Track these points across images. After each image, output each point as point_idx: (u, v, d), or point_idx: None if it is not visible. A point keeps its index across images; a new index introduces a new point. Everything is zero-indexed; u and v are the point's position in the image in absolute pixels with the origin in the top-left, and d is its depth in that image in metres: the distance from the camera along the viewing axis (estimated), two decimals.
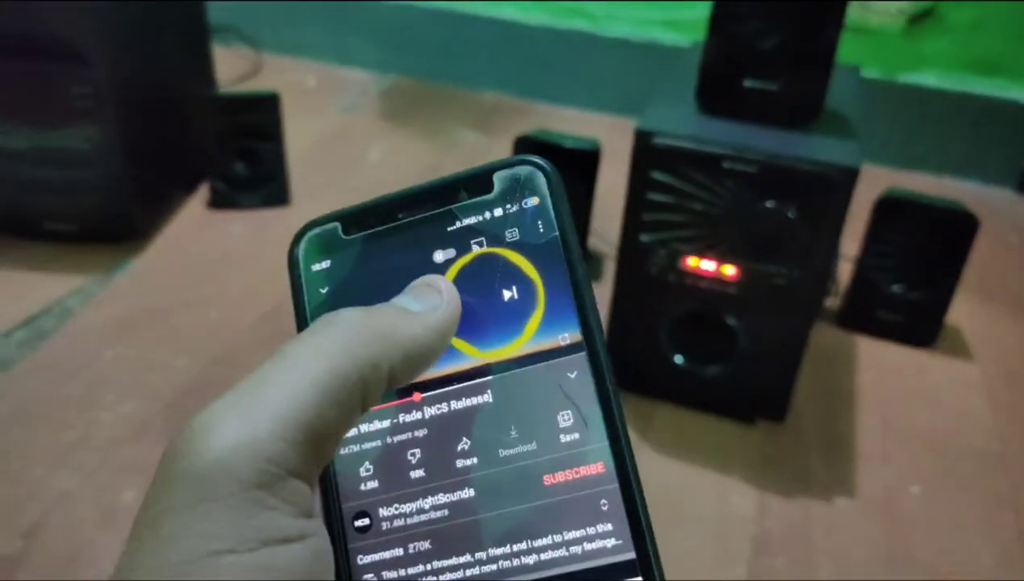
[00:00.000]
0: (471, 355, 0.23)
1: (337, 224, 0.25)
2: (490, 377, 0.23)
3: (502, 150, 1.25)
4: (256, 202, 1.20)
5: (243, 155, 1.19)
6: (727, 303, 0.78)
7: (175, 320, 0.95)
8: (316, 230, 0.25)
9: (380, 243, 0.24)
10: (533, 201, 0.23)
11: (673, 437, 0.83)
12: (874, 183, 0.95)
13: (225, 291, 1.01)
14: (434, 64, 1.73)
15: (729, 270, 0.75)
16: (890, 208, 0.94)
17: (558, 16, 1.61)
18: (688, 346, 0.83)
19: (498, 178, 0.24)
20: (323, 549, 0.19)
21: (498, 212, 0.24)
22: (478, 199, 0.24)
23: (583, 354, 0.23)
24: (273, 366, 0.20)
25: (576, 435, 0.22)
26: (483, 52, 1.68)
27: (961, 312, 1.08)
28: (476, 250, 0.24)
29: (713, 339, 0.82)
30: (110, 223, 1.07)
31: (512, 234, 0.23)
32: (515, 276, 0.23)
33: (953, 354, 0.99)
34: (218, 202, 1.18)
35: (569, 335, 0.23)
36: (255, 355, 0.89)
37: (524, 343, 0.23)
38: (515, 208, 0.24)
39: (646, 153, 0.73)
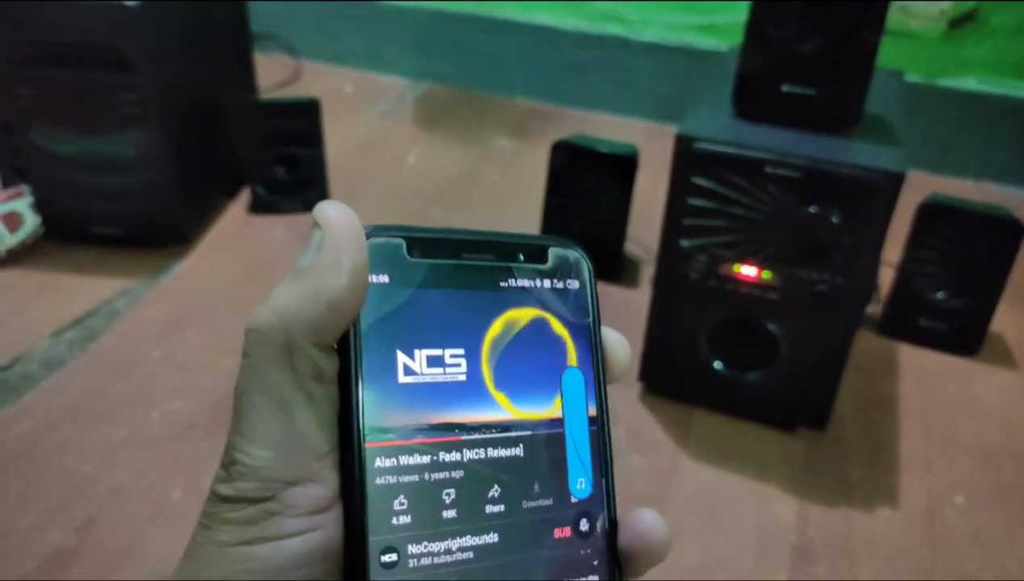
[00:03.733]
0: (508, 410, 0.24)
1: (403, 242, 0.25)
2: (524, 432, 0.24)
3: (537, 156, 1.25)
4: (297, 206, 1.22)
5: (283, 160, 1.21)
6: (768, 309, 0.77)
7: (219, 321, 0.97)
8: (381, 240, 0.25)
9: (440, 275, 0.25)
10: (576, 284, 0.26)
11: (712, 444, 0.83)
12: (915, 188, 0.94)
13: (267, 293, 1.02)
14: (468, 71, 1.74)
15: (770, 276, 0.75)
16: (933, 214, 0.93)
17: (592, 21, 1.61)
18: (728, 352, 0.83)
19: (552, 254, 0.26)
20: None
21: (547, 283, 0.26)
22: (534, 266, 0.26)
23: (595, 428, 0.25)
24: None
25: (584, 495, 0.25)
26: (516, 58, 1.69)
27: (1005, 320, 1.06)
28: (528, 309, 0.25)
29: (753, 345, 0.82)
30: (156, 227, 1.09)
31: (557, 307, 0.25)
32: (557, 344, 0.25)
33: (997, 362, 0.98)
34: (259, 207, 1.20)
35: (590, 410, 0.25)
36: None
37: (555, 410, 0.25)
38: (562, 285, 0.26)
39: (687, 158, 0.73)
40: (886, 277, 1.07)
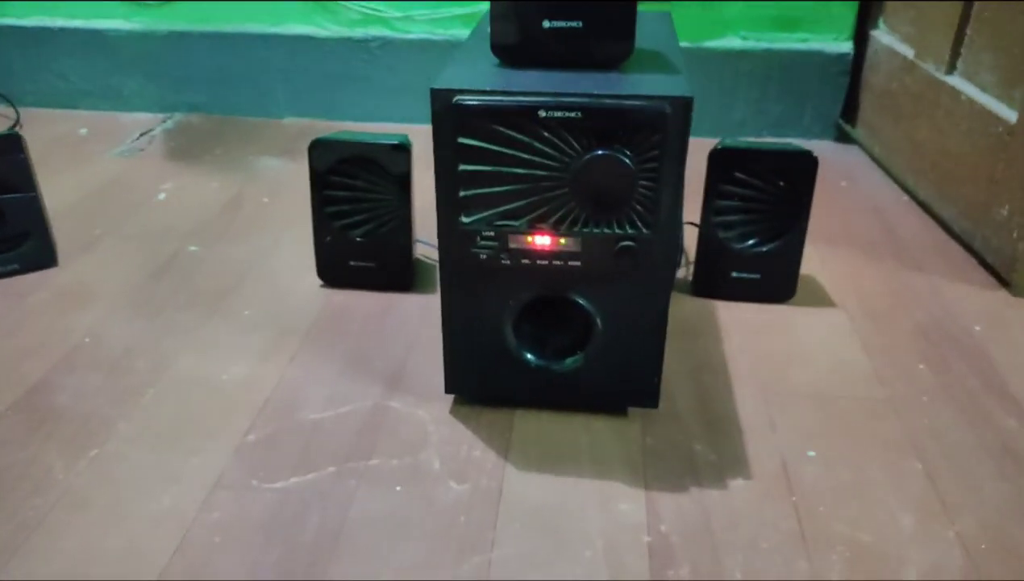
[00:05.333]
0: None
1: None
2: None
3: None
4: (13, 267, 0.99)
5: None
6: (573, 281, 0.67)
7: None
8: None
9: None
10: None
11: (540, 448, 0.71)
12: (701, 154, 0.89)
13: None
14: (225, 96, 1.55)
15: (568, 242, 0.64)
16: (725, 159, 0.88)
17: (352, 25, 1.48)
18: (539, 340, 0.72)
19: None
20: None
21: None
22: None
23: None
24: None
25: None
26: (277, 75, 1.52)
27: (812, 259, 1.03)
28: None
29: (566, 327, 0.71)
30: None
31: None
32: None
33: (814, 304, 0.94)
34: None
35: None
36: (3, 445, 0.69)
37: None
38: None
39: (449, 116, 0.61)
40: (691, 239, 1.01)
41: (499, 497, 0.65)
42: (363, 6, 1.46)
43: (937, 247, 1.08)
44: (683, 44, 1.40)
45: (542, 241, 0.65)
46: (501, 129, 0.60)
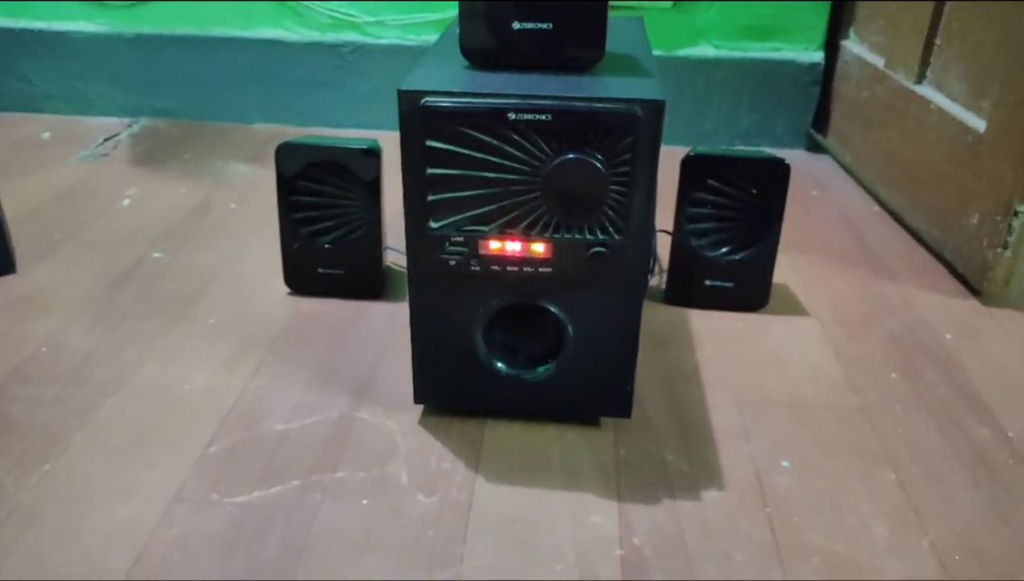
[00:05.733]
0: None
1: None
2: None
3: None
4: None
5: None
6: (545, 288, 0.65)
7: None
8: None
9: None
10: None
11: (511, 459, 0.69)
12: (673, 162, 0.88)
13: None
14: (194, 101, 1.53)
15: (539, 248, 0.63)
16: (698, 166, 0.87)
17: (322, 29, 1.46)
18: (511, 348, 0.70)
19: None
20: None
21: None
22: None
23: None
24: None
25: None
26: (246, 80, 1.50)
27: (785, 267, 1.03)
28: None
29: (537, 335, 0.70)
30: None
31: None
32: None
33: (787, 312, 0.93)
34: None
35: None
36: None
37: None
38: None
39: (417, 119, 0.59)
40: (664, 247, 1.00)
41: (469, 510, 0.64)
42: (335, 8, 1.45)
43: (909, 256, 1.08)
44: (656, 52, 1.40)
45: (512, 247, 0.63)
46: (470, 132, 0.59)
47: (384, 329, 0.88)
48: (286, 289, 0.95)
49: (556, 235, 0.62)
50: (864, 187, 1.29)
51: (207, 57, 1.49)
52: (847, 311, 0.94)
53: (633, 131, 0.58)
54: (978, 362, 0.85)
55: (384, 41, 1.45)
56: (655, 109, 0.58)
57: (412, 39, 1.45)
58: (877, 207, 1.23)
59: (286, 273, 0.94)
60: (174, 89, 1.52)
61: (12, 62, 1.53)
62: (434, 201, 0.62)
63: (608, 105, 0.58)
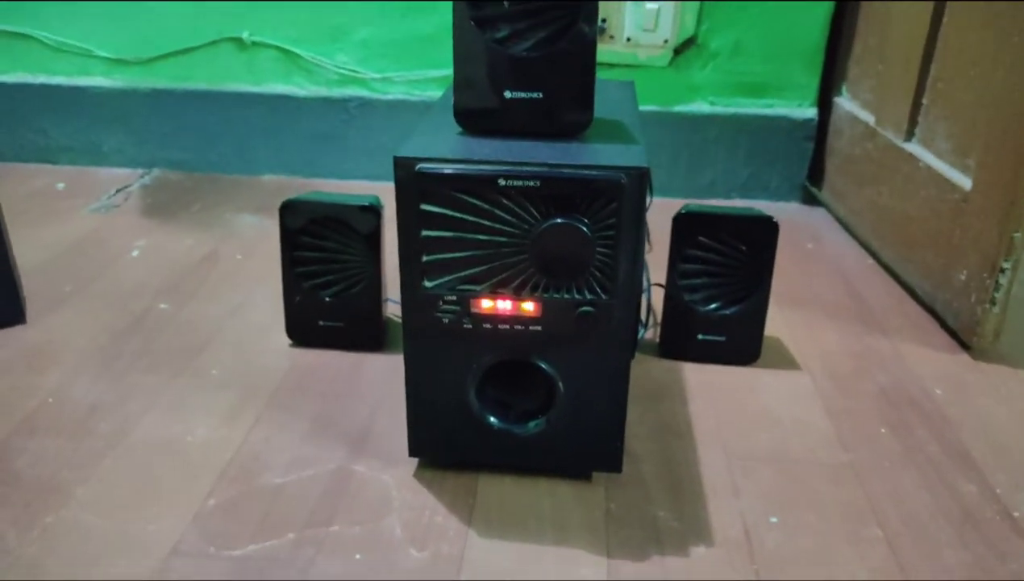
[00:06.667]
0: None
1: None
2: None
3: None
4: None
5: None
6: (535, 345, 0.67)
7: None
8: None
9: None
10: None
11: (503, 513, 0.70)
12: (670, 216, 0.91)
13: None
14: (205, 154, 1.57)
15: (529, 306, 0.65)
16: (689, 224, 0.90)
17: (330, 85, 1.51)
18: (503, 403, 0.72)
19: None
20: None
21: None
22: None
23: None
24: None
25: None
26: (256, 134, 1.54)
27: (776, 321, 1.05)
28: None
29: (528, 391, 0.71)
30: None
31: None
32: None
33: (779, 366, 0.95)
34: None
35: None
36: None
37: None
38: None
39: (412, 184, 0.62)
40: (658, 300, 1.02)
41: (460, 564, 0.65)
42: (342, 65, 1.49)
43: (900, 310, 1.10)
44: (654, 108, 1.43)
45: (503, 305, 0.65)
46: (462, 196, 0.62)
47: (383, 381, 0.90)
48: (288, 341, 0.97)
49: (546, 294, 0.64)
50: (858, 240, 1.31)
51: (219, 111, 1.53)
52: (838, 365, 0.95)
53: (618, 197, 0.60)
54: (967, 418, 0.86)
55: (390, 96, 1.50)
56: (639, 176, 0.60)
57: (417, 94, 1.49)
58: (871, 260, 1.25)
59: (288, 325, 0.96)
60: (186, 142, 1.56)
61: (31, 115, 1.58)
62: (428, 262, 0.64)
63: (594, 172, 0.60)
